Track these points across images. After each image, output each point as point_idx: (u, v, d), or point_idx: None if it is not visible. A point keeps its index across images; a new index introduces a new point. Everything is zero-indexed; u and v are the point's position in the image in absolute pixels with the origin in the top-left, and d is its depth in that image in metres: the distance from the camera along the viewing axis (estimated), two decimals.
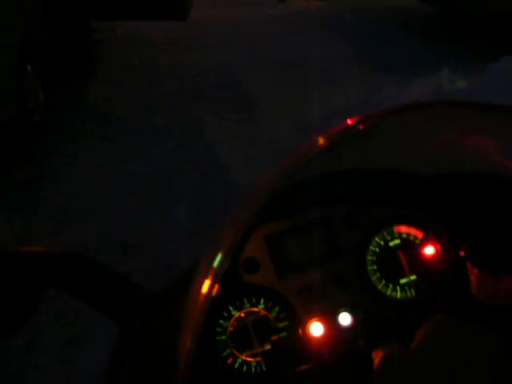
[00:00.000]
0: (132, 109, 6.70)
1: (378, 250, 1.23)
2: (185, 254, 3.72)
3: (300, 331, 1.18)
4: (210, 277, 0.94)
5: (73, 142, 5.93)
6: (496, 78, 5.77)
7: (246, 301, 1.20)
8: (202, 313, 0.94)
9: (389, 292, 1.21)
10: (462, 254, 1.04)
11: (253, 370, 1.17)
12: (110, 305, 1.07)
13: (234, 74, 7.68)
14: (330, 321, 1.18)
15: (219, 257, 0.95)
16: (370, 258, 1.22)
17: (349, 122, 0.93)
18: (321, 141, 0.94)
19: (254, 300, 1.20)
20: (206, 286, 0.95)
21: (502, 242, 0.97)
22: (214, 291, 0.94)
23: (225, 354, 1.18)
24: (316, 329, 1.18)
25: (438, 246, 1.21)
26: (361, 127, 0.92)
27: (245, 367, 1.17)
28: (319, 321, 1.18)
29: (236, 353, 1.18)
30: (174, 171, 5.20)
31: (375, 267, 1.22)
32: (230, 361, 1.17)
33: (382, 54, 8.24)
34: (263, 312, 1.19)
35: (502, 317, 0.97)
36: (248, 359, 1.17)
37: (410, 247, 1.23)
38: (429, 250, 1.22)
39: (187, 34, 8.93)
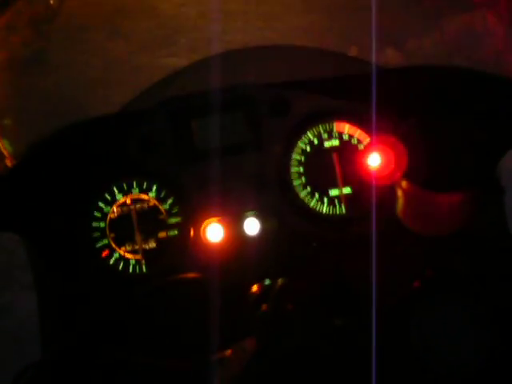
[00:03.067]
0: None
1: (308, 149, 0.98)
2: None
3: (193, 232, 0.95)
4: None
5: None
6: None
7: (135, 184, 0.97)
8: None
9: (313, 204, 0.97)
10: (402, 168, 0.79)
11: (130, 270, 0.96)
12: None
13: None
14: (234, 225, 0.95)
15: None
16: (296, 157, 0.97)
17: None
18: None
19: (145, 185, 0.96)
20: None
21: (444, 159, 0.72)
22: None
23: (100, 244, 0.96)
24: (214, 232, 0.95)
25: (385, 157, 0.95)
26: None
27: (122, 264, 0.96)
28: (220, 223, 0.95)
29: (113, 245, 0.96)
30: None
31: (301, 170, 0.97)
32: (104, 254, 0.95)
33: None
34: (154, 201, 0.96)
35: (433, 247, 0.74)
36: (126, 255, 0.96)
37: (350, 152, 0.98)
38: (373, 160, 0.95)
39: None
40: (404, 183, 0.74)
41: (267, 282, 0.78)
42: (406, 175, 0.74)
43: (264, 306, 0.70)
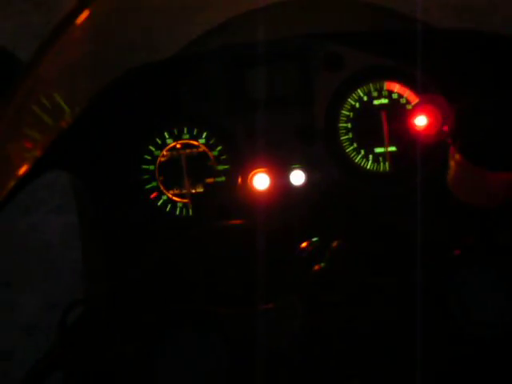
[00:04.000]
0: None
1: (358, 105, 0.99)
2: None
3: (241, 180, 0.98)
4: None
5: None
6: None
7: (186, 130, 0.99)
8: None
9: (358, 159, 0.99)
10: (450, 140, 0.80)
11: (177, 212, 1.00)
12: None
13: None
14: (280, 176, 0.98)
15: None
16: (345, 112, 0.99)
17: None
18: None
19: (195, 132, 0.99)
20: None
21: (501, 138, 0.74)
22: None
23: (149, 186, 0.99)
24: (261, 181, 0.98)
25: (433, 118, 0.97)
26: None
27: (169, 207, 1.00)
28: (266, 173, 0.98)
29: (162, 188, 0.99)
30: None
31: (349, 126, 0.99)
32: (153, 195, 0.99)
33: None
34: (203, 148, 0.99)
35: (477, 218, 0.77)
36: (174, 198, 0.99)
37: (398, 112, 0.99)
38: (420, 121, 0.96)
39: None
40: (457, 156, 0.76)
41: (315, 239, 0.82)
42: (461, 149, 0.76)
43: (318, 266, 0.73)
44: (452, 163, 0.77)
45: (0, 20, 3.01)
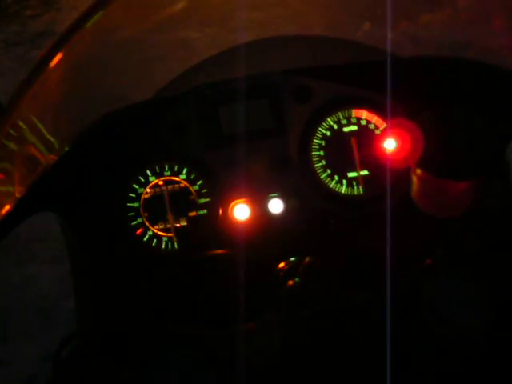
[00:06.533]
0: None
1: (329, 133, 1.04)
2: None
3: (222, 211, 1.02)
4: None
5: None
6: None
7: (167, 167, 1.04)
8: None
9: (332, 185, 1.04)
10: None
11: (163, 246, 1.04)
12: None
13: None
14: (259, 205, 1.03)
15: None
16: (317, 141, 1.04)
17: None
18: None
19: (176, 168, 1.04)
20: None
21: (457, 149, 0.79)
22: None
23: (135, 223, 1.03)
24: (241, 211, 1.02)
25: (401, 141, 1.02)
26: None
27: (155, 241, 1.03)
28: (246, 203, 1.02)
29: (147, 223, 1.03)
30: None
31: (322, 153, 1.04)
32: (139, 232, 1.03)
33: None
34: (184, 183, 1.04)
35: (442, 228, 0.81)
36: (159, 233, 1.03)
37: (368, 137, 1.04)
38: (389, 144, 1.01)
39: None
40: (418, 171, 0.80)
41: (293, 259, 0.86)
42: (420, 163, 0.81)
43: (292, 281, 0.77)
44: (414, 178, 0.82)
45: None
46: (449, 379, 0.74)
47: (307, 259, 0.78)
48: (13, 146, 0.69)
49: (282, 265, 0.84)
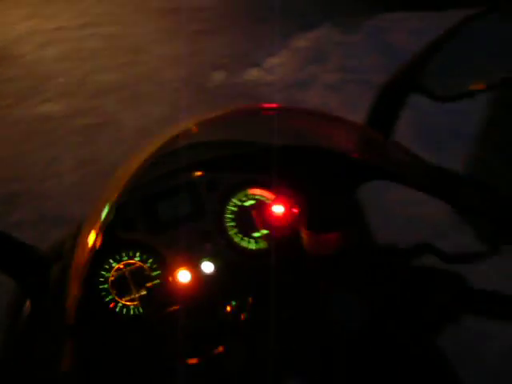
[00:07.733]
0: None
1: (235, 209, 1.46)
2: None
3: (170, 278, 1.40)
4: (94, 232, 1.15)
5: None
6: (371, 33, 6.16)
7: (124, 254, 1.39)
8: (87, 264, 1.15)
9: (244, 244, 1.45)
10: (297, 215, 1.31)
11: (132, 312, 1.37)
12: (7, 263, 1.24)
13: None
14: (195, 269, 1.41)
15: (104, 213, 1.16)
16: (228, 215, 1.46)
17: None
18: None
19: (131, 253, 1.39)
20: (91, 240, 1.15)
21: (325, 210, 1.25)
22: (98, 244, 1.14)
23: (107, 299, 1.37)
24: (183, 276, 1.38)
25: (285, 206, 1.47)
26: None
27: (125, 310, 1.38)
28: (186, 269, 1.40)
29: (117, 298, 1.37)
30: None
31: (233, 223, 1.46)
32: (112, 305, 1.37)
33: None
34: (139, 263, 1.39)
35: (324, 262, 1.26)
36: (127, 303, 1.38)
37: (262, 207, 1.48)
38: (278, 209, 1.47)
39: None
40: (303, 228, 1.26)
41: (233, 302, 1.27)
42: (303, 224, 1.26)
43: (242, 316, 1.19)
44: (302, 232, 1.27)
45: None
46: (340, 352, 1.19)
47: (250, 299, 1.21)
48: None
49: (228, 309, 1.25)
